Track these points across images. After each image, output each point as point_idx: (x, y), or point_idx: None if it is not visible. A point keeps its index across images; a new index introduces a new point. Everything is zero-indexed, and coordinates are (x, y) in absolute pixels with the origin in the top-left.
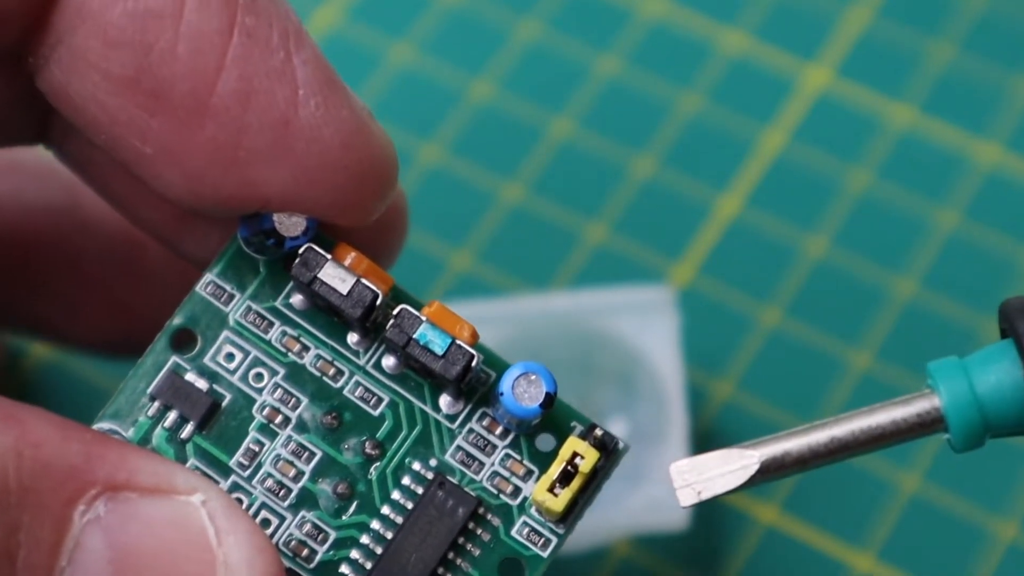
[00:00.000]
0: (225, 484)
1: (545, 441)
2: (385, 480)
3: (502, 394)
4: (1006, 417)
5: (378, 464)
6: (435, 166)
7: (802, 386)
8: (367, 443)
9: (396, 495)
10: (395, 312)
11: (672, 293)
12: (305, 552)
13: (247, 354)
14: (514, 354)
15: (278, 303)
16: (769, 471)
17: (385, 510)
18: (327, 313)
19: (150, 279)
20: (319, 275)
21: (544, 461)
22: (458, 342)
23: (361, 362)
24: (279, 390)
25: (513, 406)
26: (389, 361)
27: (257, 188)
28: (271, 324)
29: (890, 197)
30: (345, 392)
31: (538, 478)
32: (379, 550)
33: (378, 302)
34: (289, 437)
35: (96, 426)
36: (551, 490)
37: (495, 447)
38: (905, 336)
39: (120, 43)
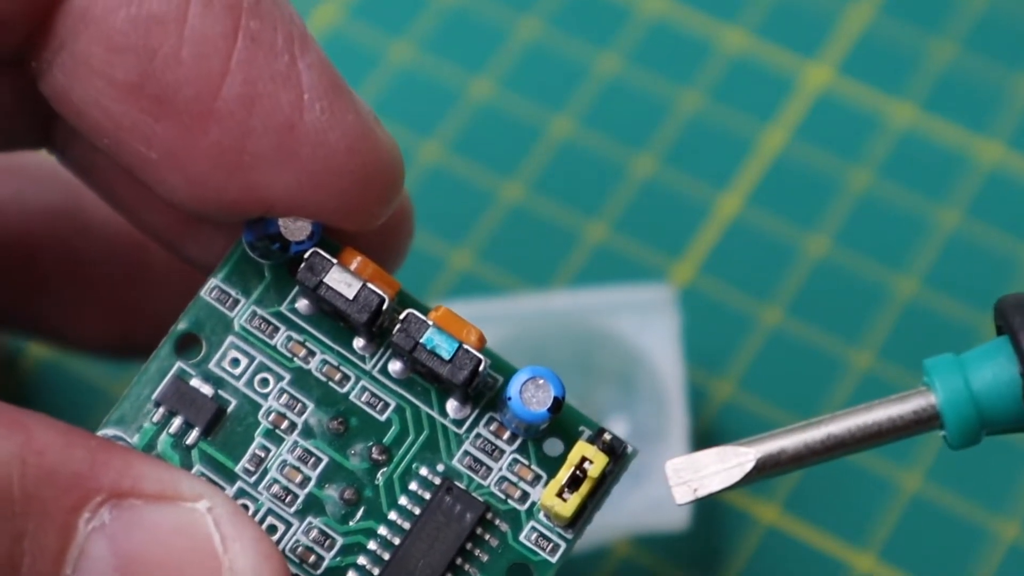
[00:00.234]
0: (231, 490)
1: (553, 445)
2: (392, 486)
3: (510, 399)
4: (1002, 413)
5: (385, 469)
6: (435, 165)
7: (803, 385)
8: (374, 448)
9: (403, 501)
10: (401, 317)
11: (672, 292)
12: (312, 558)
13: (252, 359)
14: (514, 353)
15: (283, 308)
16: (765, 468)
17: (392, 516)
18: (333, 318)
19: (153, 281)
20: (325, 280)
21: (552, 466)
22: (465, 347)
23: (367, 367)
24: (285, 395)
25: (521, 411)
26: (395, 366)
27: (262, 193)
28: (276, 329)
29: (891, 196)
30: (351, 397)
31: (546, 483)
32: (386, 556)
33: (384, 307)
34: (295, 443)
35: (101, 432)
36: (560, 495)
37: (503, 452)
38: (906, 335)
39: (124, 48)
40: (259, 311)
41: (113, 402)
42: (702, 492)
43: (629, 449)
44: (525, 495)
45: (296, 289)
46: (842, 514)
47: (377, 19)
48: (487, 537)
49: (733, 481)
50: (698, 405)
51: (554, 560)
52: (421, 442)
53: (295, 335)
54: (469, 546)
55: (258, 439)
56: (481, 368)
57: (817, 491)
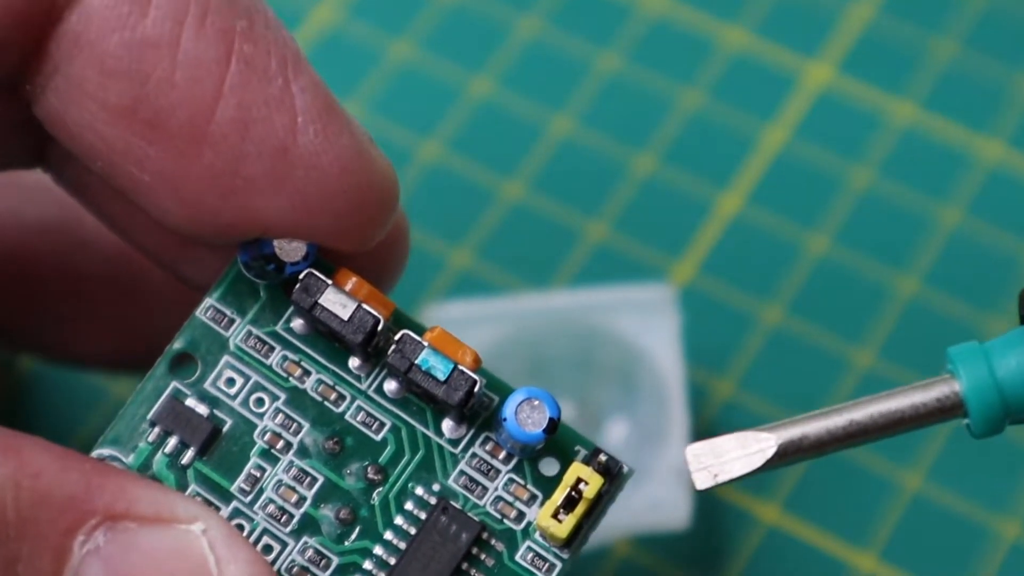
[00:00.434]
0: (226, 510)
1: (548, 465)
2: (388, 505)
3: (505, 419)
4: None
5: (381, 489)
6: (434, 163)
7: (804, 385)
8: (369, 468)
9: (399, 520)
10: (397, 337)
11: (673, 291)
12: None
13: (248, 379)
14: (514, 353)
15: (279, 327)
16: (787, 454)
17: (388, 535)
18: (328, 338)
19: (149, 296)
20: (320, 301)
21: (547, 485)
22: (460, 367)
23: (363, 387)
24: (280, 415)
25: (517, 431)
26: (391, 385)
27: (256, 215)
28: (272, 349)
29: (892, 194)
30: (347, 417)
31: (542, 502)
32: None
33: (380, 327)
34: (291, 462)
35: (96, 451)
36: (555, 516)
37: (498, 472)
38: (907, 334)
39: (117, 72)
40: (254, 331)
41: (110, 401)
42: (723, 478)
43: (625, 469)
44: (521, 515)
45: (291, 308)
46: (843, 514)
47: (376, 17)
48: (483, 557)
49: (754, 467)
50: (698, 404)
51: None
52: (417, 462)
53: (290, 355)
54: (465, 566)
55: (254, 459)
56: (476, 389)
57: (818, 490)
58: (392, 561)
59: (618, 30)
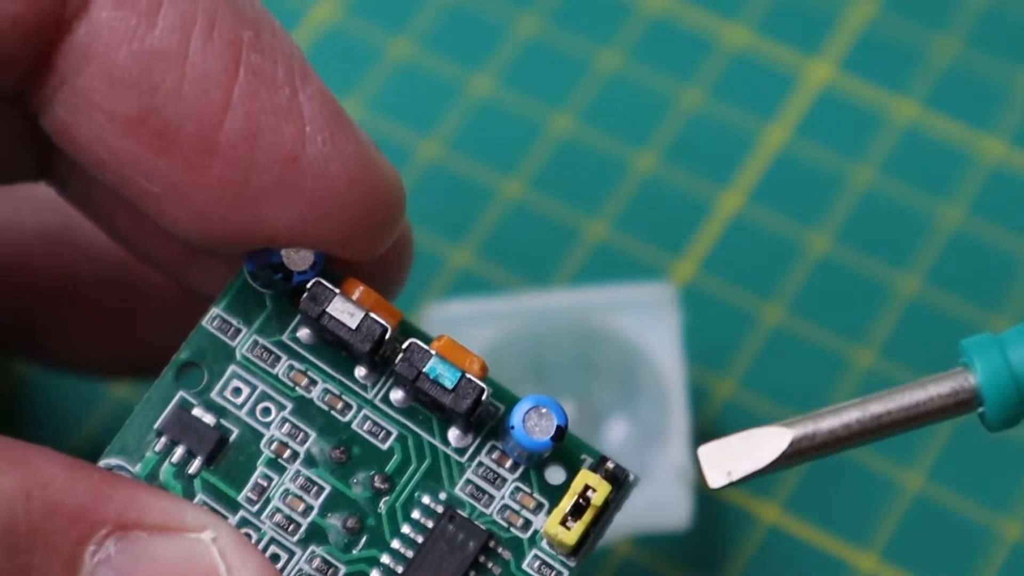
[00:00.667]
0: (234, 519)
1: (554, 473)
2: (395, 514)
3: (513, 427)
4: None
5: (387, 498)
6: (434, 162)
7: (805, 384)
8: (376, 477)
9: (406, 529)
10: (404, 346)
11: (674, 290)
12: None
13: (254, 388)
14: (514, 351)
15: (285, 337)
16: (800, 451)
17: (395, 544)
18: (334, 347)
19: (149, 303)
20: (328, 310)
21: (554, 494)
22: (468, 376)
23: (369, 396)
24: (287, 424)
25: (524, 439)
26: (397, 395)
27: (265, 225)
28: (278, 358)
29: (894, 193)
30: (353, 426)
31: (548, 511)
32: None
33: (387, 336)
34: (298, 472)
35: (103, 461)
36: (563, 523)
37: (505, 480)
38: (909, 333)
39: (125, 84)
40: (261, 340)
41: (108, 405)
42: (736, 475)
43: (631, 477)
44: (528, 523)
45: (297, 318)
46: (844, 513)
47: (376, 15)
48: (490, 565)
49: (768, 462)
50: (699, 404)
51: None
52: (423, 471)
53: (297, 364)
54: (472, 574)
55: (260, 468)
56: (484, 397)
57: (819, 490)
58: (399, 570)
59: (618, 28)
